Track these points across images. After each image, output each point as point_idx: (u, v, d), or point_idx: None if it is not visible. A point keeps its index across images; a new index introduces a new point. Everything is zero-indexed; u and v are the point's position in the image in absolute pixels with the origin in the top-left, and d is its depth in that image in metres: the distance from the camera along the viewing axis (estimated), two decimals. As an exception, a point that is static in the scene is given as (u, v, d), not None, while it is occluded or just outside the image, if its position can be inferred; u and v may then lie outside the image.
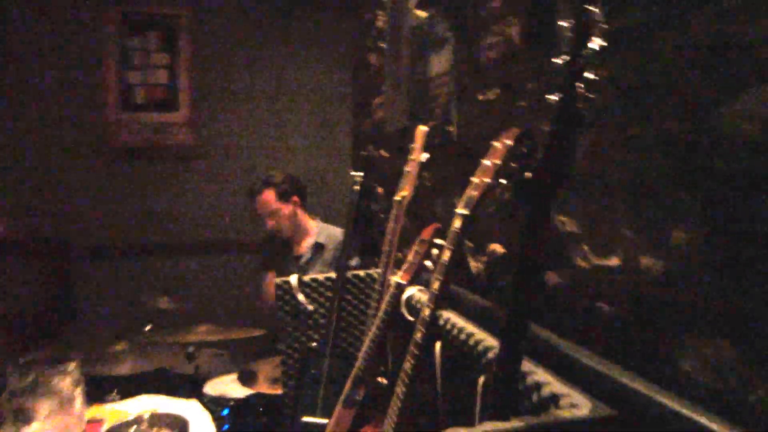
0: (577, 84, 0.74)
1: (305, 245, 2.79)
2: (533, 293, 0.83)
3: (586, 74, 0.75)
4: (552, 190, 0.79)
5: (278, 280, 1.88)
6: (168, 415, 1.47)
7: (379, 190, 2.95)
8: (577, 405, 0.78)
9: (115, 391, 1.74)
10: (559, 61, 0.76)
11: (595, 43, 0.76)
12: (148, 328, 2.60)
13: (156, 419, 1.45)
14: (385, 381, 1.69)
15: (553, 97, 0.76)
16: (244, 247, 3.71)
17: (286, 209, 2.76)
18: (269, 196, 2.76)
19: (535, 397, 0.88)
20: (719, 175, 0.82)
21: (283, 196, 2.77)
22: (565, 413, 0.76)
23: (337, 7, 3.84)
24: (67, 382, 1.15)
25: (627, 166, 1.00)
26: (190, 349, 2.38)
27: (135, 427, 1.42)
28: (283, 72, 3.85)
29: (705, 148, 0.84)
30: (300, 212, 2.81)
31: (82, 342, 2.68)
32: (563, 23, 0.77)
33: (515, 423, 0.72)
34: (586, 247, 1.10)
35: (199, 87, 3.72)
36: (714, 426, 0.73)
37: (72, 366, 1.19)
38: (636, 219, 0.97)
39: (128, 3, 3.58)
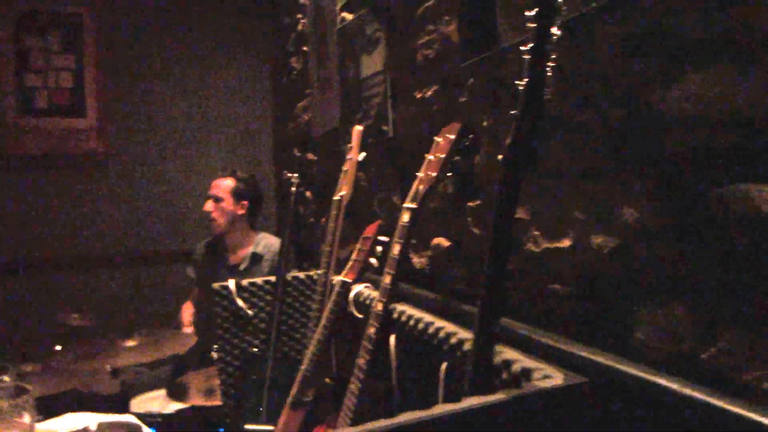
0: (545, 71, 0.78)
1: (242, 254, 2.71)
2: (505, 276, 0.86)
3: (550, 61, 0.78)
4: (521, 175, 0.83)
5: (216, 285, 1.81)
6: (117, 423, 1.38)
7: (308, 193, 2.92)
8: (551, 376, 0.82)
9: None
10: (525, 48, 0.80)
11: (555, 31, 0.81)
12: (58, 347, 2.41)
13: (104, 428, 1.35)
14: (332, 382, 1.68)
15: (522, 84, 0.80)
16: (160, 258, 3.53)
17: (230, 207, 2.69)
18: (227, 184, 2.72)
19: (505, 375, 0.90)
20: (663, 152, 0.89)
21: (236, 194, 2.71)
22: (541, 384, 0.79)
23: (249, 11, 3.78)
24: (2, 394, 1.06)
25: (574, 151, 1.06)
26: (112, 366, 2.22)
27: None
28: (197, 75, 3.71)
29: (648, 129, 0.91)
30: (243, 220, 2.74)
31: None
32: (527, 12, 0.81)
33: (499, 396, 0.74)
34: (536, 232, 1.15)
35: (108, 91, 3.51)
36: (673, 385, 0.79)
37: (6, 376, 1.10)
38: (585, 201, 1.03)
39: (25, 0, 3.32)
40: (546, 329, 1.08)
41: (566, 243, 1.08)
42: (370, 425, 0.66)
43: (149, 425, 2.09)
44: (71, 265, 3.40)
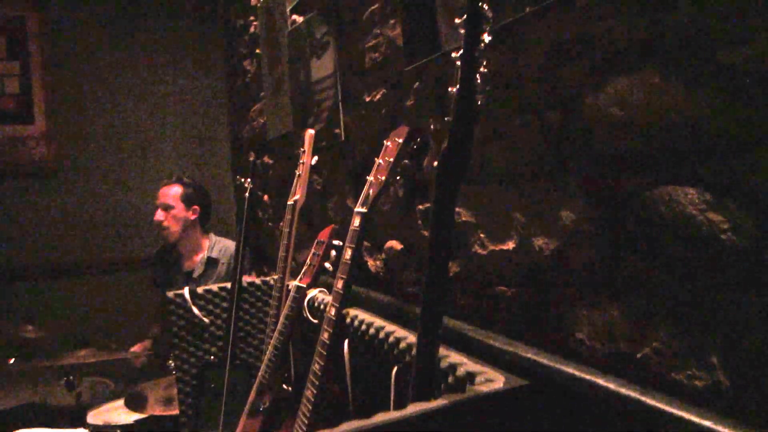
0: (476, 76, 0.79)
1: (197, 260, 2.68)
2: (446, 280, 0.87)
3: (481, 68, 0.80)
4: (458, 180, 0.84)
5: (170, 293, 1.79)
6: None
7: (265, 197, 2.90)
8: (493, 380, 0.84)
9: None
10: (455, 55, 0.81)
11: (486, 38, 0.82)
12: (11, 361, 2.34)
13: None
14: (289, 387, 1.67)
15: (454, 90, 0.81)
16: (116, 266, 3.46)
17: (182, 213, 2.65)
18: (175, 190, 2.68)
19: (451, 378, 0.92)
20: (595, 155, 0.92)
21: (187, 200, 2.67)
22: (483, 388, 0.81)
23: (201, 14, 3.72)
24: None
25: (513, 155, 1.08)
26: (67, 378, 2.18)
27: None
28: (149, 78, 3.64)
29: (581, 132, 0.94)
30: (195, 225, 2.71)
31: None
32: (457, 20, 0.83)
33: (440, 402, 0.75)
34: (482, 235, 1.18)
35: (56, 97, 3.41)
36: (610, 385, 0.82)
37: None
38: (527, 203, 1.05)
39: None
40: (492, 330, 1.10)
41: (510, 245, 1.11)
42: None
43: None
44: (23, 276, 3.29)
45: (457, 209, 1.25)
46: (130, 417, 2.15)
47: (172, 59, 3.69)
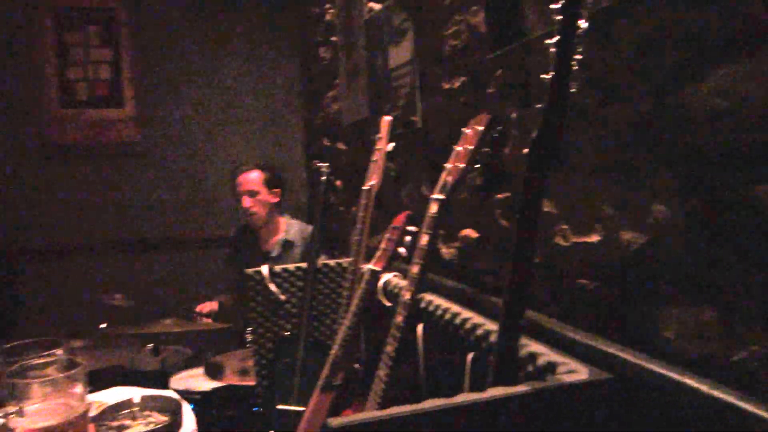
0: (572, 63, 0.79)
1: (274, 242, 2.77)
2: (531, 269, 0.87)
3: (577, 54, 0.79)
4: (548, 168, 0.84)
5: (250, 271, 1.87)
6: (159, 397, 1.46)
7: (337, 182, 2.96)
8: (576, 371, 0.83)
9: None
10: (549, 41, 0.81)
11: (583, 24, 0.81)
12: (103, 325, 2.52)
13: (147, 401, 1.44)
14: (360, 367, 1.72)
15: (547, 76, 0.81)
16: (194, 242, 3.64)
17: (266, 197, 2.75)
18: (258, 176, 2.77)
19: (531, 368, 0.93)
20: (693, 149, 0.89)
21: (269, 183, 2.77)
22: (565, 378, 0.81)
23: (278, 2, 3.81)
24: (56, 366, 1.16)
25: (604, 146, 1.06)
26: (153, 344, 2.33)
27: (127, 410, 1.40)
28: (230, 65, 3.78)
29: (678, 124, 0.91)
30: (276, 207, 2.81)
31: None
32: (552, 5, 0.82)
33: (523, 387, 0.76)
34: (565, 226, 1.16)
35: (144, 82, 3.61)
36: (703, 387, 0.79)
37: (58, 350, 1.19)
38: (615, 196, 1.04)
39: (62, -2, 3.43)
40: (572, 324, 1.09)
41: (595, 238, 1.09)
42: (396, 409, 0.69)
43: (188, 401, 2.18)
44: (113, 249, 3.53)
45: (539, 199, 1.24)
46: (208, 385, 2.27)
47: (249, 47, 3.81)
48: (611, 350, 0.91)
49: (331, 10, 2.98)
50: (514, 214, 0.94)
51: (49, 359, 1.18)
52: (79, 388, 1.11)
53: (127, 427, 1.36)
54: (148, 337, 2.48)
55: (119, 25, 3.55)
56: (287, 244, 2.73)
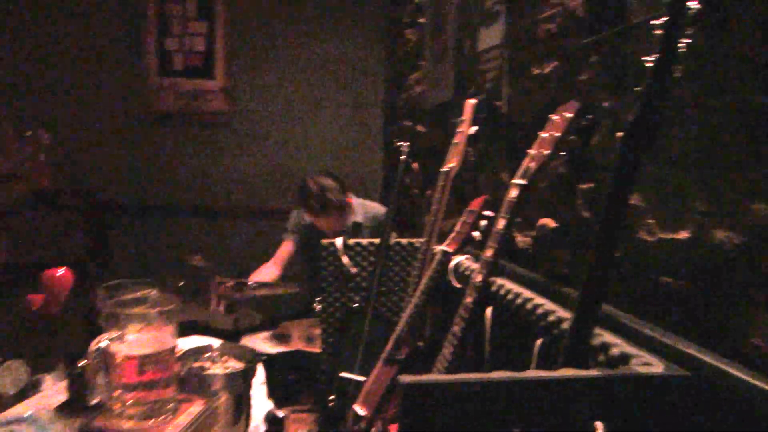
0: (678, 46, 0.76)
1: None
2: (613, 260, 0.85)
3: (685, 36, 0.76)
4: (641, 156, 0.81)
5: (324, 241, 1.93)
6: (237, 346, 1.55)
7: (414, 165, 2.97)
8: (651, 364, 0.81)
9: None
10: (657, 22, 0.78)
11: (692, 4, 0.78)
12: (181, 283, 2.67)
13: (226, 348, 1.53)
14: (424, 345, 1.74)
15: (650, 59, 0.78)
16: (273, 213, 3.77)
17: (343, 219, 2.76)
18: (337, 219, 2.73)
19: (602, 357, 0.91)
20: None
21: (342, 209, 2.72)
22: (641, 369, 0.79)
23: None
24: (150, 304, 1.26)
25: (703, 139, 1.01)
26: (228, 304, 2.45)
27: (207, 354, 1.50)
28: (316, 43, 3.87)
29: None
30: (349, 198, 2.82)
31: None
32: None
33: (594, 372, 0.75)
34: (651, 221, 1.12)
35: (234, 54, 3.75)
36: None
37: (153, 291, 1.29)
38: (710, 192, 0.99)
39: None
40: (652, 321, 1.05)
41: (684, 235, 1.05)
42: (464, 375, 0.71)
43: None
44: (196, 213, 3.73)
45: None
46: (275, 349, 2.37)
47: (336, 26, 3.88)
48: (690, 350, 0.88)
49: (421, -8, 2.98)
50: (600, 204, 0.92)
51: (146, 295, 1.30)
52: (170, 326, 1.22)
53: (207, 369, 1.45)
54: (222, 298, 2.60)
55: (216, 0, 3.70)
56: (356, 226, 2.77)
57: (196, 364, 1.47)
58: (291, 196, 3.70)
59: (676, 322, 1.03)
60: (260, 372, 1.58)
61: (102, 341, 1.16)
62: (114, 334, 1.17)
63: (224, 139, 3.78)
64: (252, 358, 1.53)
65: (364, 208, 2.85)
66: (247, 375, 1.48)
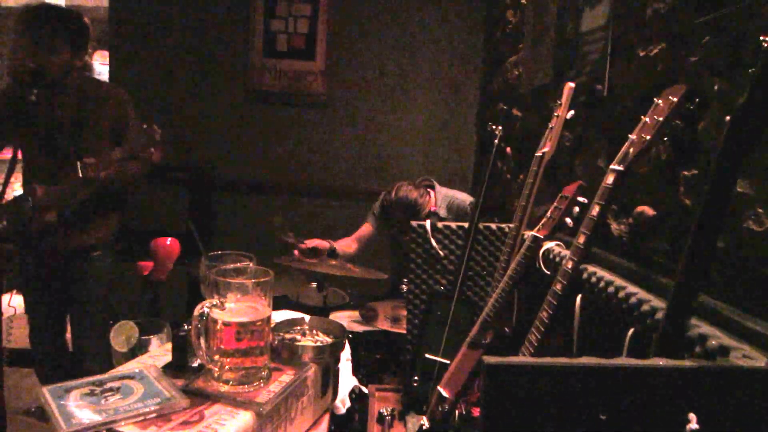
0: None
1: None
2: (714, 247, 0.81)
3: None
4: (751, 140, 0.76)
5: (414, 223, 1.96)
6: (326, 320, 1.63)
7: (508, 149, 2.93)
8: (753, 357, 0.77)
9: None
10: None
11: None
12: (276, 260, 2.81)
13: (316, 322, 1.61)
14: (510, 331, 1.73)
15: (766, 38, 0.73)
16: (367, 195, 3.85)
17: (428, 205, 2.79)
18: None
19: (699, 349, 0.87)
20: None
21: (421, 210, 2.75)
22: (741, 362, 0.75)
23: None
24: (248, 275, 1.34)
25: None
26: (318, 281, 2.55)
27: (298, 327, 1.58)
28: (414, 25, 3.87)
29: None
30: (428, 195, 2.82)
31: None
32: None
33: (690, 362, 0.72)
34: (760, 209, 1.05)
35: (335, 37, 3.84)
36: None
37: (251, 263, 1.38)
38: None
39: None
40: (755, 315, 0.99)
41: (795, 225, 0.97)
42: (552, 359, 0.70)
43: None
44: (291, 191, 3.90)
45: (732, 178, 1.13)
46: (361, 328, 2.44)
47: (437, 6, 3.85)
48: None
49: (524, -27, 2.90)
50: (703, 189, 0.87)
51: (244, 266, 1.39)
52: (266, 296, 1.29)
53: (298, 341, 1.53)
54: (314, 275, 2.71)
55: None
56: (432, 215, 2.76)
57: (288, 336, 1.55)
58: (381, 181, 3.78)
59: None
60: (347, 348, 1.64)
61: (204, 308, 1.24)
62: (215, 301, 1.25)
63: (322, 120, 3.90)
64: (340, 333, 1.59)
65: (447, 199, 2.83)
66: (335, 348, 1.55)
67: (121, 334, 1.59)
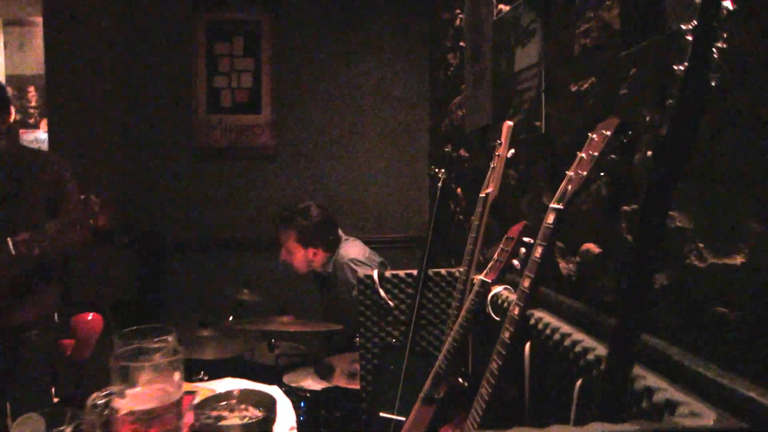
0: (711, 52, 0.67)
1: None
2: (649, 290, 0.76)
3: (718, 42, 0.67)
4: (675, 174, 0.72)
5: (362, 274, 1.88)
6: (256, 393, 1.50)
7: (458, 190, 2.90)
8: (699, 414, 0.70)
9: (202, 372, 1.79)
10: (688, 27, 0.69)
11: (725, 6, 0.69)
12: (230, 318, 2.68)
13: (245, 396, 1.49)
14: (464, 382, 1.64)
15: (681, 68, 0.69)
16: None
17: (301, 254, 2.69)
18: (289, 235, 2.70)
19: (645, 404, 0.80)
20: None
21: (303, 242, 2.68)
22: (685, 421, 0.69)
23: (413, 8, 3.84)
24: (165, 351, 1.22)
25: (751, 152, 0.90)
26: (270, 341, 2.42)
27: (225, 402, 1.46)
28: (360, 73, 3.88)
29: None
30: (320, 253, 2.71)
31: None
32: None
33: (628, 426, 0.65)
34: (701, 245, 1.01)
35: (279, 89, 3.81)
36: None
37: (170, 338, 1.26)
38: (766, 212, 0.87)
39: (215, 11, 3.74)
40: (703, 357, 0.93)
41: (738, 260, 0.93)
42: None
43: (299, 399, 2.24)
44: (243, 246, 3.77)
45: (672, 213, 1.09)
46: (317, 385, 2.31)
47: (379, 55, 3.88)
48: (751, 394, 0.76)
49: (461, 15, 2.93)
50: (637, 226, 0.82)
51: (160, 344, 1.26)
52: (177, 376, 1.17)
53: (224, 418, 1.40)
54: (267, 333, 2.58)
55: (261, 36, 3.79)
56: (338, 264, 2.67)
57: (214, 413, 1.42)
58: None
59: (732, 358, 0.91)
60: (290, 414, 1.51)
61: (100, 397, 1.11)
62: (114, 389, 1.13)
63: (270, 173, 3.82)
64: (271, 405, 1.47)
65: (338, 257, 2.70)
66: (264, 424, 1.42)
67: (26, 429, 1.42)
